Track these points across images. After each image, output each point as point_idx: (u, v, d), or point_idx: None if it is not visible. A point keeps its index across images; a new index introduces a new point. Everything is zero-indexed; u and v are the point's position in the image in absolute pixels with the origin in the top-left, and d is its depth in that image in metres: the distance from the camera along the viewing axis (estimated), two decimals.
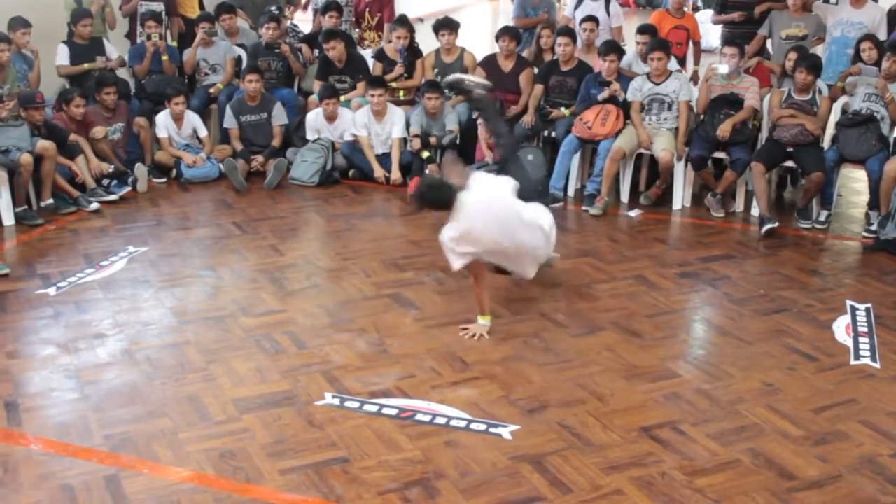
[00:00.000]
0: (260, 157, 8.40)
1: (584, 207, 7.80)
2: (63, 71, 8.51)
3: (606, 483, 4.01)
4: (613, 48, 8.15)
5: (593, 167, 8.04)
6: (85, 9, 8.66)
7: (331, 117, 8.45)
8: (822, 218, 7.48)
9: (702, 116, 7.86)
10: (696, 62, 9.30)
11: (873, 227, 7.20)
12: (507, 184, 5.51)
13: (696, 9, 15.80)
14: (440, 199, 5.33)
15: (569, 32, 8.40)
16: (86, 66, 8.51)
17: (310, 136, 8.53)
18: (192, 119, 8.50)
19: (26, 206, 7.28)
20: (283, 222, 7.37)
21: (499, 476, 4.04)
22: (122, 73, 8.99)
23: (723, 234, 7.33)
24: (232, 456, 4.15)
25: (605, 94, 7.97)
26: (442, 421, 4.48)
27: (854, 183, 8.45)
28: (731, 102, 7.72)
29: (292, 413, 4.52)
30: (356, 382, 4.82)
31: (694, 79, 8.74)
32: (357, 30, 9.85)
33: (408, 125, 8.37)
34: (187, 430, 4.35)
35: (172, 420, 4.43)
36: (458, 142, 8.27)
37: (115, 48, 8.95)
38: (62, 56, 8.52)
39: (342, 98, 8.63)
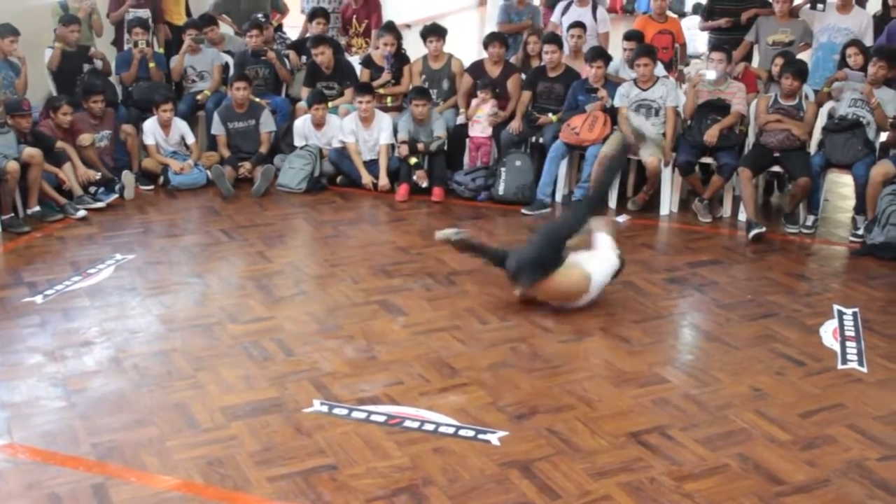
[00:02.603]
0: (247, 164, 8.39)
1: None
2: (52, 65, 8.49)
3: (595, 489, 4.01)
4: (600, 54, 8.16)
5: (581, 173, 8.05)
6: (73, 14, 8.65)
7: (318, 124, 8.45)
8: (809, 223, 7.51)
9: (689, 122, 7.88)
10: (682, 61, 9.34)
11: (860, 232, 7.22)
12: None
13: (682, 14, 15.86)
14: None
15: (555, 40, 8.40)
16: (60, 45, 8.48)
17: (297, 142, 8.52)
18: (180, 126, 8.49)
19: (13, 214, 7.24)
20: (270, 229, 7.36)
21: (487, 482, 4.04)
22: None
23: (710, 240, 7.35)
24: (220, 463, 4.13)
25: (593, 107, 7.97)
26: (430, 427, 4.47)
27: (841, 188, 8.48)
28: (718, 108, 7.74)
29: (280, 420, 4.51)
30: (344, 389, 4.81)
31: (680, 78, 8.76)
32: (344, 36, 9.84)
33: (395, 131, 8.37)
34: (175, 438, 4.33)
35: (160, 428, 4.42)
36: (445, 148, 8.27)
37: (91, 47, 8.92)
38: (48, 54, 8.51)
39: (330, 104, 8.63)
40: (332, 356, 5.19)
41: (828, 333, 5.64)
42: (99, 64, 8.81)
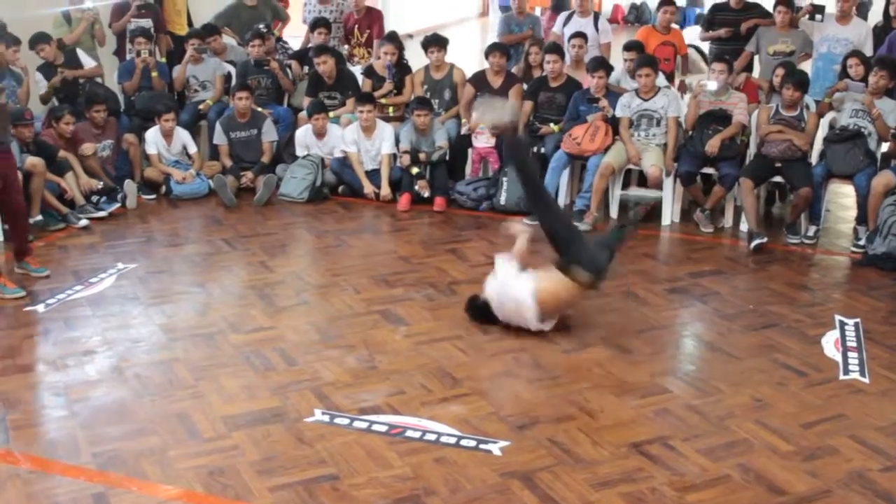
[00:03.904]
0: (249, 174, 8.40)
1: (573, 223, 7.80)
2: (44, 98, 8.45)
3: (596, 499, 4.00)
4: (602, 64, 8.18)
5: (582, 183, 8.06)
6: (41, 33, 8.49)
7: (320, 133, 8.46)
8: (811, 233, 7.50)
9: (690, 132, 7.89)
10: (684, 72, 9.35)
11: (861, 243, 7.22)
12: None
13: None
14: None
15: (557, 50, 8.42)
16: (55, 80, 8.38)
17: (299, 152, 8.53)
18: (182, 135, 8.50)
19: None
20: (272, 239, 7.37)
21: (489, 492, 4.04)
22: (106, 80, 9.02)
23: (712, 250, 7.34)
24: (221, 473, 4.13)
25: (595, 118, 7.98)
26: (432, 437, 4.47)
27: (842, 198, 8.48)
28: (720, 118, 7.76)
29: (282, 430, 4.51)
30: (346, 399, 4.81)
31: (681, 88, 8.77)
32: (346, 46, 9.86)
33: (397, 141, 8.38)
34: (176, 448, 4.33)
35: (161, 437, 4.42)
36: (447, 158, 8.28)
37: (91, 57, 8.86)
38: (42, 84, 8.44)
39: (331, 114, 8.64)
40: (333, 366, 5.19)
41: (829, 344, 5.63)
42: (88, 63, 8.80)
